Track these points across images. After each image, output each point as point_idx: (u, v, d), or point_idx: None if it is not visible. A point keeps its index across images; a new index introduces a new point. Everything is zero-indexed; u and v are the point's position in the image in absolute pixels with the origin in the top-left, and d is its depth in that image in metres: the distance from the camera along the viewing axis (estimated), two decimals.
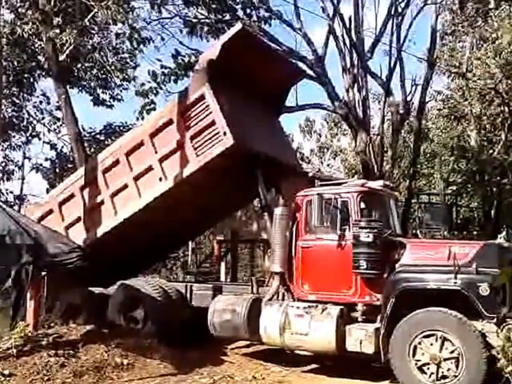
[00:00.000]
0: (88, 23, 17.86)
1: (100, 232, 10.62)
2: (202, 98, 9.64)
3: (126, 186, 10.45)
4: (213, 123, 9.48)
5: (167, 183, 9.98)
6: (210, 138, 9.54)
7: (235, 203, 12.31)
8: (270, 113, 11.40)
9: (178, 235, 11.78)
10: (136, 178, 10.34)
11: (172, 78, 18.70)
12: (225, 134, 9.29)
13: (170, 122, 10.08)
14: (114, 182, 10.63)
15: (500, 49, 21.99)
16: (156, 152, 10.16)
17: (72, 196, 11.13)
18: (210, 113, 9.51)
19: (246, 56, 9.71)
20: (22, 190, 27.05)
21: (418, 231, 19.59)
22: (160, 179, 10.06)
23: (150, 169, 10.21)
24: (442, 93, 29.14)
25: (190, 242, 21.89)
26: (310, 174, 10.56)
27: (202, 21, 19.16)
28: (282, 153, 10.89)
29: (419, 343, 7.84)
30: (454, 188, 29.87)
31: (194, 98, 9.77)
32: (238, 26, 9.95)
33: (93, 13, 16.31)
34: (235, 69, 9.62)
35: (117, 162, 10.64)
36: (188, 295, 10.83)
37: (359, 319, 8.63)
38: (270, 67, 10.45)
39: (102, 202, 10.73)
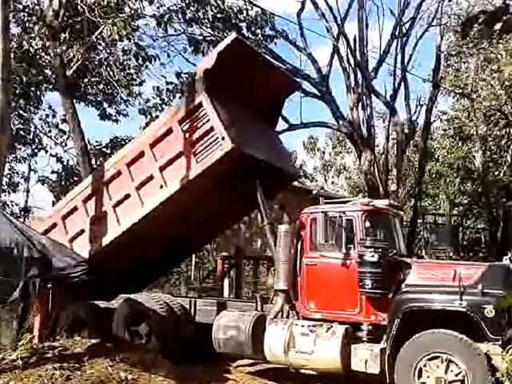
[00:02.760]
0: (95, 39, 18.06)
1: (104, 243, 10.65)
2: (199, 105, 9.78)
3: (128, 196, 10.50)
4: (211, 129, 9.59)
5: (168, 190, 10.04)
6: (209, 144, 9.63)
7: (237, 212, 12.32)
8: (267, 122, 11.53)
9: (180, 246, 11.75)
10: (138, 188, 10.40)
11: (177, 94, 18.89)
12: (223, 138, 9.40)
13: (169, 131, 10.20)
14: (116, 193, 10.68)
15: (503, 79, 22.24)
16: (156, 161, 10.25)
17: (75, 209, 11.15)
18: (208, 120, 9.64)
19: (241, 65, 9.85)
20: (26, 202, 27.20)
21: (424, 252, 19.58)
22: (161, 187, 10.14)
23: (151, 178, 10.28)
24: (447, 113, 29.29)
25: (193, 258, 21.93)
26: (314, 192, 10.59)
27: (208, 39, 19.38)
28: (280, 161, 10.98)
29: (424, 365, 7.81)
30: (460, 209, 29.91)
31: (191, 106, 9.92)
32: (233, 35, 10.10)
33: (100, 29, 16.49)
34: (231, 77, 9.78)
35: (118, 173, 10.71)
36: (192, 311, 10.85)
37: (364, 339, 8.60)
38: (265, 77, 10.58)
39: (106, 213, 10.75)
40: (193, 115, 9.89)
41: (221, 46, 9.91)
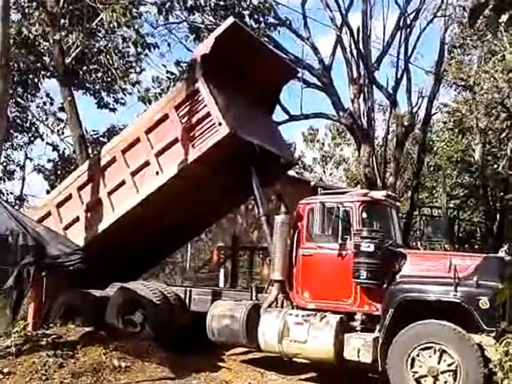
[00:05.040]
0: (95, 26, 17.92)
1: (99, 230, 10.63)
2: (196, 91, 9.75)
3: (123, 183, 10.48)
4: (208, 115, 9.58)
5: (164, 176, 10.02)
6: (206, 130, 9.63)
7: (233, 200, 12.28)
8: (264, 109, 11.50)
9: (176, 233, 11.72)
10: (133, 174, 10.38)
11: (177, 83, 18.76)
12: (220, 124, 9.39)
13: (165, 117, 10.17)
14: (111, 180, 10.66)
15: (508, 68, 22.09)
16: (152, 147, 10.22)
17: (70, 197, 11.13)
18: (205, 105, 9.61)
19: (238, 50, 9.80)
20: (22, 190, 27.07)
21: (419, 243, 19.58)
22: (157, 173, 10.11)
23: (146, 164, 10.26)
24: (448, 105, 29.13)
25: (189, 248, 21.93)
26: (313, 183, 10.56)
27: (209, 27, 19.22)
28: (276, 147, 10.95)
29: (417, 355, 7.80)
30: (457, 202, 29.87)
31: (188, 91, 9.89)
32: (230, 20, 10.01)
33: (100, 16, 16.34)
34: (228, 63, 9.77)
35: (114, 160, 10.69)
36: (187, 300, 10.81)
37: (358, 328, 8.59)
38: (263, 62, 10.53)
39: (101, 201, 10.74)
40: (190, 100, 9.87)
41: (218, 31, 9.86)
